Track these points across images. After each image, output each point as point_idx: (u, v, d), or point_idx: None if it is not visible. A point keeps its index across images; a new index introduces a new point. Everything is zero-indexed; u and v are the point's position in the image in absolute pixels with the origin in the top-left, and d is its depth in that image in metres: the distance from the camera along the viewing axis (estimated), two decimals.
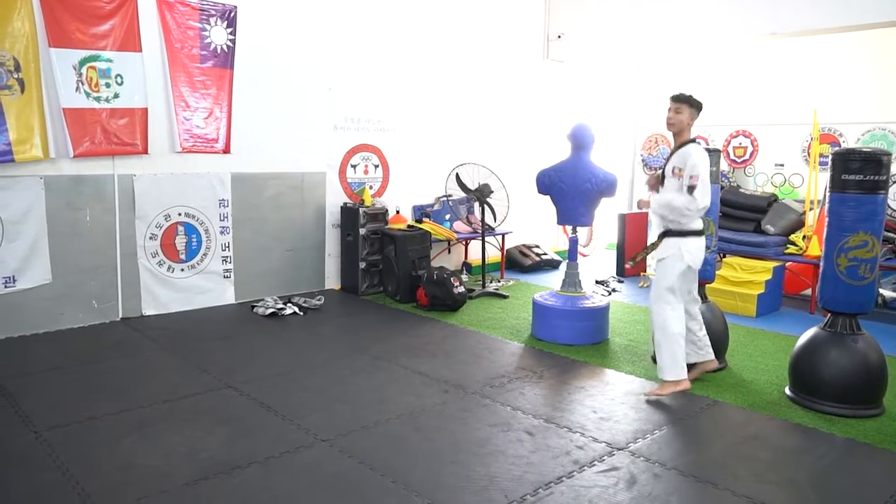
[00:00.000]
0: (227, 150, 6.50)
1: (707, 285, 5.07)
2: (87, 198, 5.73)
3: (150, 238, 6.10)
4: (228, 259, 6.62)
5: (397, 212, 7.70)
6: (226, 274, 6.62)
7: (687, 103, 4.32)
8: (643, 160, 9.60)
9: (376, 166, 7.74)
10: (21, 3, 5.24)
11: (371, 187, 7.66)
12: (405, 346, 5.43)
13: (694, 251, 4.25)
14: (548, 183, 5.79)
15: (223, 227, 6.55)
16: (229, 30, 6.38)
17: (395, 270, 6.96)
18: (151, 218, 6.08)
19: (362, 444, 3.61)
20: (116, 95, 5.78)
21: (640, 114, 9.61)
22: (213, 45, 6.29)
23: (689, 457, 3.56)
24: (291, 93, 6.91)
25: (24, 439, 3.60)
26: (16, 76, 5.28)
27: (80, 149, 5.60)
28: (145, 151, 5.97)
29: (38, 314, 5.51)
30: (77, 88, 5.57)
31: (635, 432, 3.83)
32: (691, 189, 4.12)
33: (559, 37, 9.36)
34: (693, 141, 4.35)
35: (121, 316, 5.98)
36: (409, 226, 7.44)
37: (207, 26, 6.24)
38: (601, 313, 5.67)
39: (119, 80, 5.78)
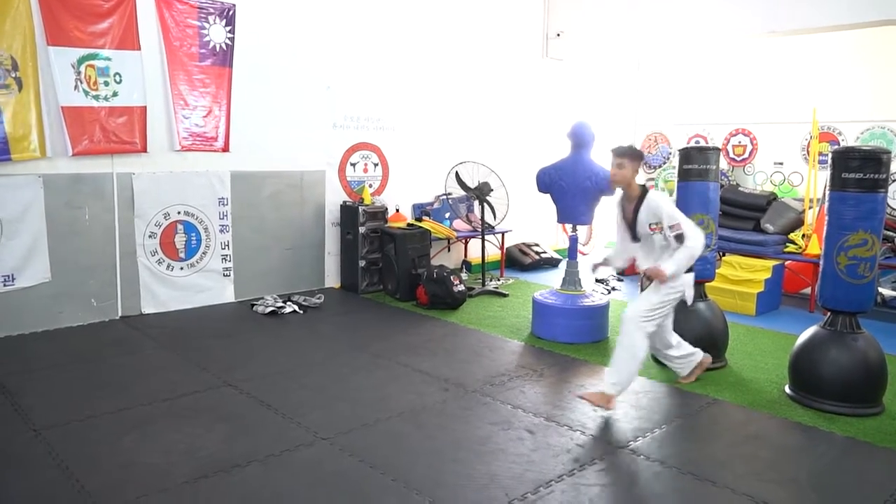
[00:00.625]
0: (226, 149, 6.49)
1: (707, 284, 5.07)
2: (86, 196, 5.72)
3: (150, 236, 6.09)
4: (228, 257, 6.61)
5: (397, 210, 7.70)
6: (225, 272, 6.62)
7: (629, 157, 4.17)
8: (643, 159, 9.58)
9: (376, 164, 7.74)
10: (19, 1, 5.23)
11: (370, 186, 7.65)
12: (405, 344, 5.42)
13: (691, 286, 4.22)
14: (548, 181, 5.78)
15: (223, 226, 6.54)
16: (228, 28, 6.36)
17: (394, 269, 6.95)
18: (151, 216, 6.07)
19: (363, 442, 3.61)
20: (115, 94, 5.77)
21: (640, 112, 9.61)
22: (211, 44, 6.28)
23: (689, 455, 3.56)
24: (290, 91, 6.90)
25: (24, 437, 3.60)
26: (13, 75, 5.27)
27: (78, 147, 5.60)
28: (144, 150, 5.96)
29: (38, 312, 5.50)
30: (76, 87, 5.56)
31: (635, 431, 3.83)
32: (679, 237, 4.01)
33: (558, 35, 9.36)
34: (646, 189, 4.21)
35: (120, 314, 5.97)
36: (408, 224, 7.43)
37: (206, 24, 6.23)
38: (601, 312, 5.67)
39: (118, 78, 5.77)
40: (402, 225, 7.35)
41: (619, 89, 10.18)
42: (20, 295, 5.41)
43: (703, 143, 8.61)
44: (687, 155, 5.03)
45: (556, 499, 3.06)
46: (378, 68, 7.61)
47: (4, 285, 5.35)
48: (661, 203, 4.11)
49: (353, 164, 7.54)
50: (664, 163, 9.26)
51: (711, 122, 8.63)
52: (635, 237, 4.27)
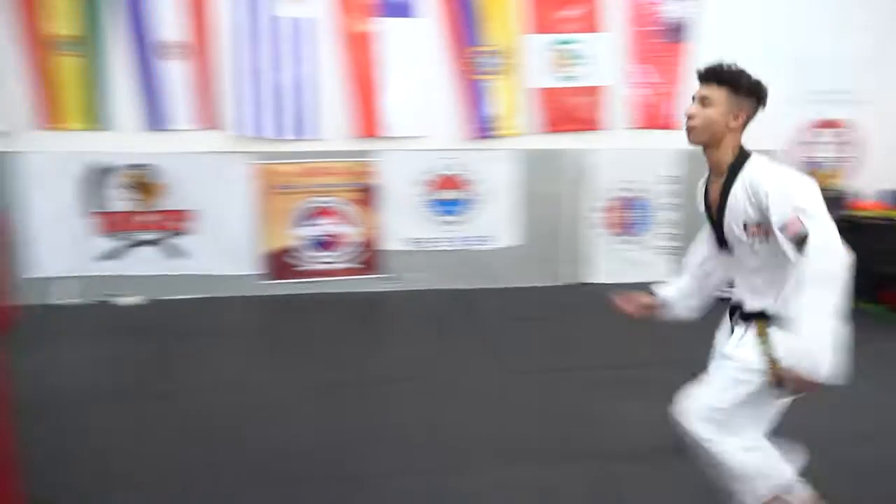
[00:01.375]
0: (674, 126, 6.44)
1: None
2: (550, 170, 6.34)
3: (601, 210, 6.46)
4: (672, 236, 6.61)
5: (868, 196, 6.64)
6: (668, 251, 6.63)
7: (727, 85, 2.26)
8: None
9: (843, 143, 6.78)
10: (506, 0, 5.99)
11: (835, 167, 6.75)
12: (878, 352, 4.64)
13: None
14: None
15: (669, 204, 6.55)
16: (689, 2, 6.24)
17: (856, 264, 6.04)
18: (603, 191, 6.44)
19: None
20: (580, 75, 6.23)
21: None
22: (670, 20, 6.27)
23: None
24: (745, 65, 6.43)
25: (499, 379, 4.20)
26: (500, 61, 6.07)
27: (547, 125, 6.23)
28: (601, 127, 6.31)
29: (505, 271, 6.34)
30: (547, 70, 6.16)
31: None
32: (800, 241, 2.02)
33: None
34: (745, 155, 2.25)
35: (572, 281, 6.47)
36: (881, 214, 6.35)
37: (667, 0, 6.22)
38: None
39: (583, 60, 6.20)
40: (873, 213, 6.32)
41: None
42: (494, 254, 6.33)
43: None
44: None
45: None
46: (849, 27, 6.51)
47: (483, 244, 6.32)
48: (766, 179, 2.11)
49: (815, 143, 6.75)
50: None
51: None
52: (723, 243, 2.38)
